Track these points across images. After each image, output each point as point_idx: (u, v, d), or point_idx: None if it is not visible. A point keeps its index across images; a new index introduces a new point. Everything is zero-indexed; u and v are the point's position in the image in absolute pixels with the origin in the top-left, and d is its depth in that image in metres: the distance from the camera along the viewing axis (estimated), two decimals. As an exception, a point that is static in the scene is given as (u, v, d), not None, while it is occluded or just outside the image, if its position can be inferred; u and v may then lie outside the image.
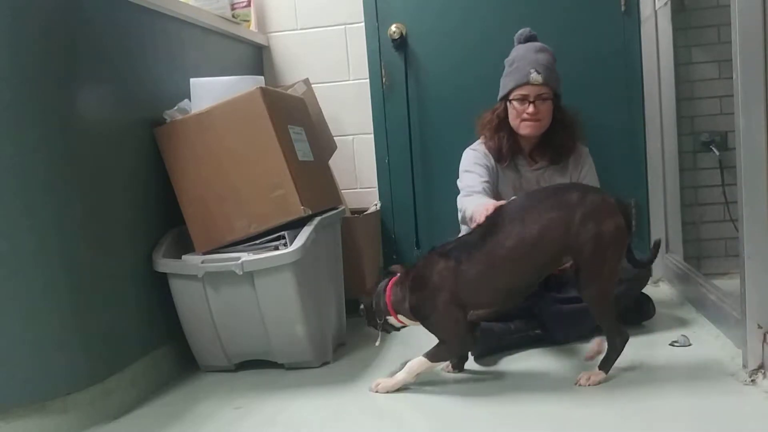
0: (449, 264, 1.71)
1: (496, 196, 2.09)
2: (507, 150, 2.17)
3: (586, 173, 2.19)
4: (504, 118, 2.19)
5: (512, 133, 2.19)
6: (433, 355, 1.74)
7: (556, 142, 2.17)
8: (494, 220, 1.72)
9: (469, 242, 1.73)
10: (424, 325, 1.77)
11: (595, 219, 1.64)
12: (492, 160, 2.19)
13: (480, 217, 1.76)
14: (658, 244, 1.84)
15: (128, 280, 1.89)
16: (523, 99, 2.11)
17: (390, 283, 1.83)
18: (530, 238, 1.65)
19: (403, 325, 1.85)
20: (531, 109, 2.09)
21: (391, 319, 1.84)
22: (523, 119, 2.12)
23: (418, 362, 1.74)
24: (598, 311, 1.70)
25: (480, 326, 1.98)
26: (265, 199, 1.95)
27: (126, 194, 1.91)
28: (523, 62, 2.15)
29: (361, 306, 1.89)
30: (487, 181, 2.09)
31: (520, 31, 2.24)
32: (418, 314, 1.76)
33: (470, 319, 1.73)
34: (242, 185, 1.96)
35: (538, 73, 2.09)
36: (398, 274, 1.84)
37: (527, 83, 2.10)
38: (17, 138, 1.57)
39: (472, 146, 2.25)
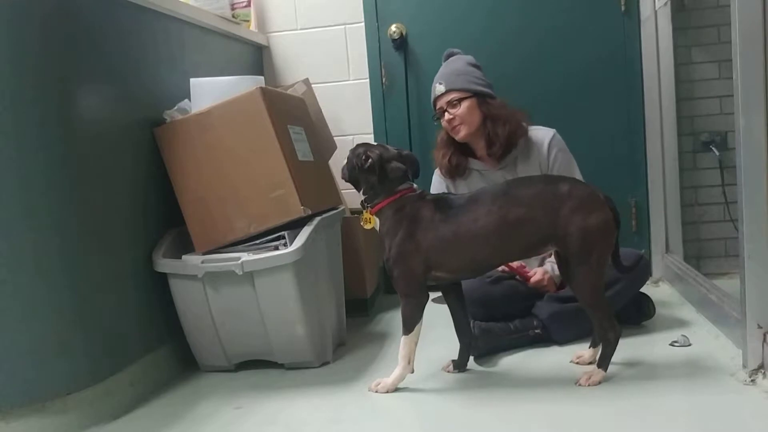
0: (433, 215, 1.73)
1: None
2: (455, 164, 2.21)
3: (556, 156, 2.17)
4: (446, 136, 2.23)
5: (458, 146, 2.22)
6: (405, 329, 1.75)
7: (494, 136, 2.16)
8: (483, 191, 1.76)
9: (455, 203, 1.76)
10: (386, 267, 1.78)
11: (582, 212, 1.66)
12: (448, 184, 2.24)
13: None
14: (641, 257, 2.00)
15: (128, 280, 1.89)
16: (441, 112, 2.17)
17: (407, 191, 1.79)
18: (511, 219, 1.68)
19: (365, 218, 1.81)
20: (447, 116, 2.15)
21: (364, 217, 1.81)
22: (450, 129, 2.17)
23: (401, 347, 1.76)
24: (588, 304, 1.71)
25: (480, 326, 1.99)
26: (265, 199, 1.95)
27: (126, 194, 1.91)
28: (433, 81, 2.21)
29: (371, 158, 1.77)
30: None
31: (444, 53, 2.28)
32: (388, 249, 1.75)
33: (430, 281, 1.76)
34: (242, 185, 1.96)
35: (440, 83, 2.16)
36: (412, 190, 1.80)
37: (434, 98, 2.18)
38: (17, 138, 1.57)
39: (436, 171, 2.30)
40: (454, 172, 2.23)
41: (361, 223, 1.83)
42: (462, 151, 2.23)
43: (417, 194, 1.80)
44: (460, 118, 2.13)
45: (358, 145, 1.86)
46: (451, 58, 2.25)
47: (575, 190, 1.69)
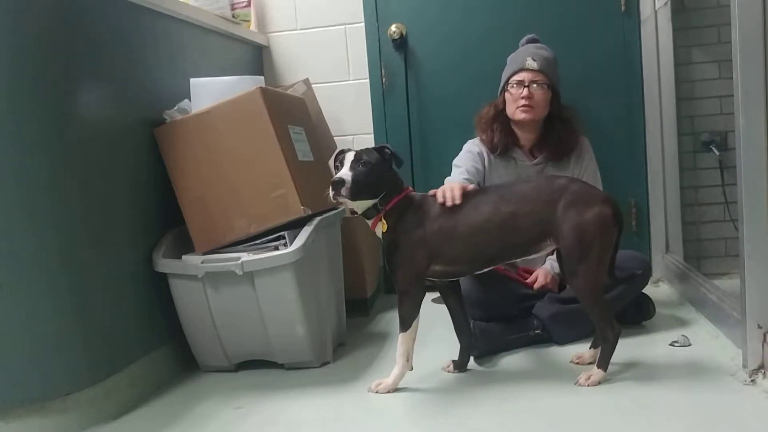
0: (438, 207, 1.74)
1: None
2: (500, 142, 2.19)
3: (587, 164, 2.20)
4: (501, 110, 2.20)
5: (508, 127, 2.20)
6: (403, 325, 1.75)
7: (555, 138, 2.17)
8: (488, 187, 1.81)
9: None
10: (387, 262, 1.76)
11: (578, 206, 1.66)
12: (484, 160, 2.21)
13: (440, 194, 1.77)
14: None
15: (128, 280, 1.89)
16: (519, 84, 2.14)
17: (408, 190, 1.79)
18: (509, 211, 1.70)
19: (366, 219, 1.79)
20: (525, 92, 2.12)
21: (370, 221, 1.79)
22: (518, 105, 2.14)
23: (399, 344, 1.76)
24: (586, 302, 1.71)
25: (480, 326, 1.99)
26: (265, 199, 1.95)
27: (126, 194, 1.91)
28: (521, 53, 2.19)
29: (386, 148, 1.78)
30: (467, 179, 2.09)
31: (525, 37, 2.28)
32: (392, 242, 1.74)
33: (429, 276, 1.76)
34: (242, 185, 1.96)
35: (534, 60, 2.13)
36: (412, 189, 1.81)
37: (522, 68, 2.14)
38: (17, 138, 1.57)
39: (473, 140, 2.27)
40: (502, 150, 2.20)
41: (376, 229, 1.77)
42: (512, 133, 2.21)
43: (419, 193, 1.81)
44: (537, 101, 2.12)
45: (342, 151, 1.79)
46: (537, 44, 2.23)
47: (572, 186, 1.71)
